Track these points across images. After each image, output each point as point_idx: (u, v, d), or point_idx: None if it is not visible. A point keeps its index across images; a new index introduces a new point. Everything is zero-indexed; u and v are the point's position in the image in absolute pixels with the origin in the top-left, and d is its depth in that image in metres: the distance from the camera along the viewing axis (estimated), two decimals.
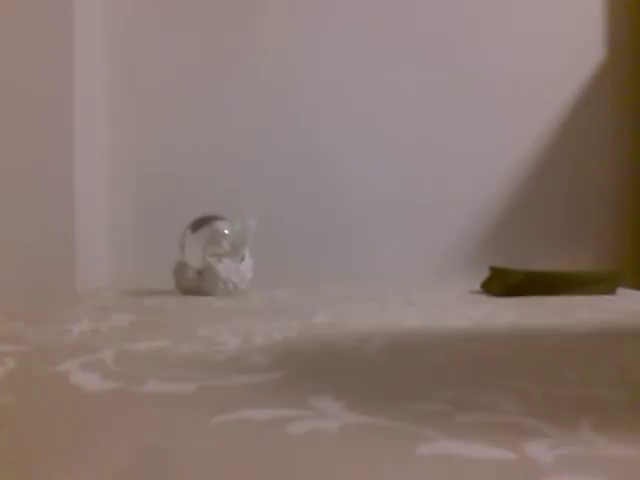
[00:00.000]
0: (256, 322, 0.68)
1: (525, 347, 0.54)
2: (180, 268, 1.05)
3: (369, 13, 1.37)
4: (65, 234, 1.17)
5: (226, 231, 1.06)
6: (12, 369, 0.44)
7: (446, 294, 1.05)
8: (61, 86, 1.18)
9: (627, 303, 0.93)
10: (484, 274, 1.12)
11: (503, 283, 1.04)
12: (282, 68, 1.36)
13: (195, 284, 1.04)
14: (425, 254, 1.38)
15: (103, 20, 1.31)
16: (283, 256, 1.32)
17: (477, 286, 1.12)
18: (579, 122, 1.41)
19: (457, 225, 1.39)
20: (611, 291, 1.06)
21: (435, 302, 0.91)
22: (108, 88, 1.32)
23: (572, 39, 1.41)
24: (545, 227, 1.41)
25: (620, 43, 1.42)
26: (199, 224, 1.07)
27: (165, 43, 1.34)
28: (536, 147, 1.41)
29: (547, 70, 1.40)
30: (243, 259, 1.06)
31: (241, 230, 1.06)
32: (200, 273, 1.03)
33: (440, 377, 0.42)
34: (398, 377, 0.42)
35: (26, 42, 1.15)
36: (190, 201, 1.27)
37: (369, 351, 0.51)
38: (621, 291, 1.08)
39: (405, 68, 1.38)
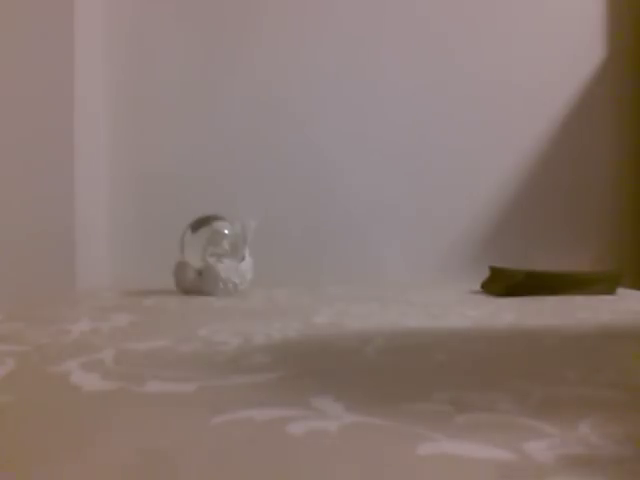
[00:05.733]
0: (256, 322, 0.68)
1: (525, 347, 0.54)
2: (180, 268, 1.05)
3: (368, 12, 1.37)
4: (65, 234, 1.17)
5: (226, 231, 1.06)
6: (12, 369, 0.44)
7: (446, 294, 1.05)
8: (61, 86, 1.18)
9: (627, 303, 0.93)
10: (484, 274, 1.12)
11: (503, 283, 1.04)
12: (282, 68, 1.36)
13: (195, 284, 1.04)
14: (425, 254, 1.38)
15: (103, 20, 1.30)
16: (283, 256, 1.32)
17: (477, 286, 1.12)
18: (579, 122, 1.41)
19: (457, 225, 1.39)
20: (611, 291, 1.06)
21: (435, 302, 0.91)
22: (108, 88, 1.31)
23: (572, 39, 1.41)
24: (545, 227, 1.41)
25: (620, 43, 1.42)
26: (199, 224, 1.07)
27: (165, 43, 1.34)
28: (536, 147, 1.41)
29: (547, 70, 1.40)
30: (243, 259, 1.06)
31: (241, 230, 1.06)
32: (200, 273, 1.03)
33: (440, 377, 0.42)
34: (398, 377, 0.42)
35: (26, 42, 1.15)
36: (190, 201, 1.26)
37: (369, 351, 0.51)
38: (621, 291, 1.08)
39: (405, 69, 1.38)
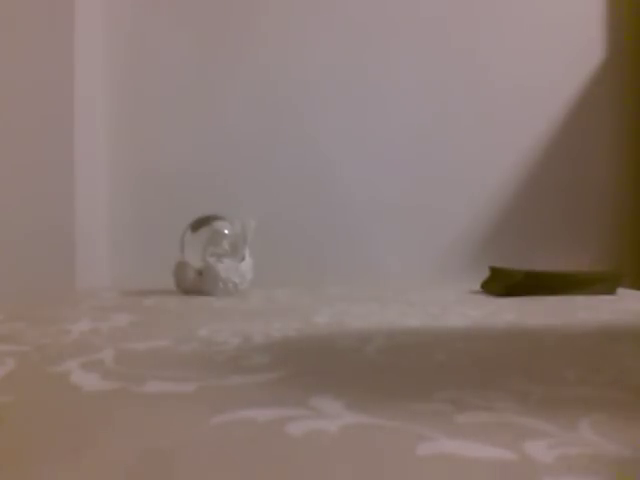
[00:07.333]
0: (256, 322, 0.68)
1: (525, 347, 0.54)
2: (180, 268, 1.05)
3: (371, 12, 1.37)
4: (65, 234, 1.17)
5: (226, 231, 1.06)
6: (12, 369, 0.44)
7: (446, 294, 1.05)
8: (61, 86, 1.18)
9: (627, 303, 0.93)
10: (484, 274, 1.12)
11: (503, 283, 1.04)
12: (283, 67, 1.36)
13: (195, 284, 1.04)
14: (425, 254, 1.38)
15: (103, 20, 1.30)
16: (283, 256, 1.32)
17: (477, 286, 1.12)
18: (579, 122, 1.41)
19: (457, 225, 1.39)
20: (611, 291, 1.06)
21: (435, 302, 0.91)
22: (108, 88, 1.31)
23: (572, 39, 1.41)
24: (545, 227, 1.41)
25: (620, 43, 1.42)
26: (199, 224, 1.07)
27: (165, 43, 1.34)
28: (536, 147, 1.41)
29: (547, 70, 1.40)
30: (243, 259, 1.06)
31: (241, 230, 1.06)
32: (200, 273, 1.03)
33: (440, 377, 0.42)
34: (398, 377, 0.42)
35: (26, 42, 1.15)
36: (190, 201, 1.27)
37: (369, 351, 0.51)
38: (621, 291, 1.08)
39: (407, 68, 1.38)
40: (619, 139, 1.43)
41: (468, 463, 0.26)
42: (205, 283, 1.03)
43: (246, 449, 0.27)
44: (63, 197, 1.18)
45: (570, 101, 1.41)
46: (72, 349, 0.51)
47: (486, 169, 1.40)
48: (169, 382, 0.40)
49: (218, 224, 1.07)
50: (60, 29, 1.18)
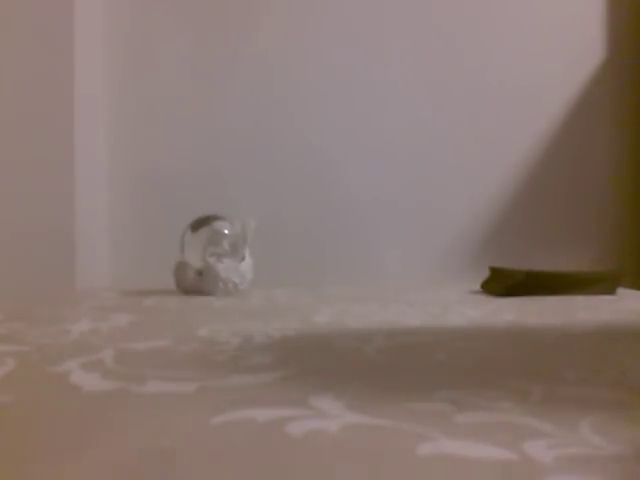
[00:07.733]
0: (256, 322, 0.68)
1: (525, 347, 0.54)
2: (180, 268, 1.05)
3: (371, 12, 1.37)
4: (65, 234, 1.17)
5: (226, 231, 1.06)
6: (12, 369, 0.44)
7: (446, 294, 1.05)
8: (61, 85, 1.18)
9: (627, 303, 0.93)
10: (484, 274, 1.12)
11: (503, 283, 1.04)
12: (283, 67, 1.36)
13: (195, 284, 1.04)
14: (425, 254, 1.38)
15: (103, 20, 1.30)
16: (283, 256, 1.32)
17: (477, 286, 1.12)
18: (579, 122, 1.41)
19: (457, 225, 1.39)
20: (611, 291, 1.06)
21: (435, 302, 0.91)
22: (108, 88, 1.31)
23: (572, 39, 1.41)
24: (545, 227, 1.41)
25: (620, 43, 1.42)
26: (199, 224, 1.07)
27: (165, 43, 1.34)
28: (536, 147, 1.41)
29: (547, 70, 1.40)
30: (243, 259, 1.06)
31: (241, 230, 1.06)
32: (200, 273, 1.03)
33: (440, 377, 0.42)
34: (398, 377, 0.42)
35: (26, 42, 1.15)
36: (190, 201, 1.27)
37: (369, 351, 0.51)
38: (621, 291, 1.08)
39: (407, 68, 1.38)
40: (619, 139, 1.43)
41: (468, 463, 0.26)
42: (205, 283, 1.03)
43: (246, 449, 0.27)
44: (63, 197, 1.18)
45: (570, 101, 1.41)
46: (72, 349, 0.51)
47: (486, 169, 1.40)
48: (169, 382, 0.40)
49: (218, 224, 1.07)
50: (60, 29, 1.18)
